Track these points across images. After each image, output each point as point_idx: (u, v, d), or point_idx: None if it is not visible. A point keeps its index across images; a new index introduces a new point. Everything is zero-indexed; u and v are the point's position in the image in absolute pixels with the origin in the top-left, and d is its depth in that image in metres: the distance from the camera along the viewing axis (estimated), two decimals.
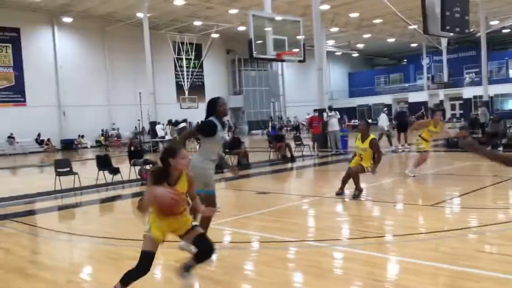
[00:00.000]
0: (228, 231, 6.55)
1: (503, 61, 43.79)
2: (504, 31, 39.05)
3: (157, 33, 32.69)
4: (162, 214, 3.72)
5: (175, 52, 34.71)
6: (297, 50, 16.73)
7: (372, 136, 8.15)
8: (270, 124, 38.15)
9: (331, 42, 41.94)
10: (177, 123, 8.05)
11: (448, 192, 8.85)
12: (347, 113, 39.22)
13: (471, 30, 24.57)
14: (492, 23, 33.64)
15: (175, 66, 36.24)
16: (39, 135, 30.51)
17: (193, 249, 4.25)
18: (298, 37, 17.10)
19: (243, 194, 9.71)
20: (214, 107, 5.13)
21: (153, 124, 26.77)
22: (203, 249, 3.89)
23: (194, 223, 3.95)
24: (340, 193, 8.50)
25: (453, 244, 5.36)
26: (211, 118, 5.12)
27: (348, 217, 7.45)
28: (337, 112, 19.26)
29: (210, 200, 4.98)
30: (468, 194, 8.34)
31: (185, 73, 35.39)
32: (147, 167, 12.52)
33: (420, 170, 10.88)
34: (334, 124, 18.51)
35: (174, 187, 3.73)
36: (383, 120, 18.54)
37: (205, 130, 5.10)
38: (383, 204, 7.94)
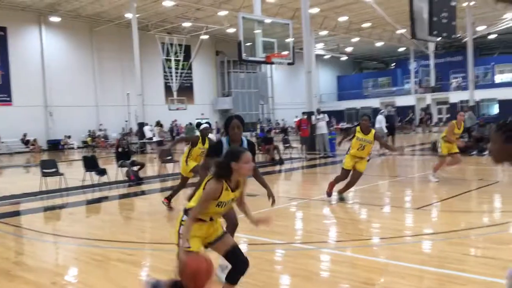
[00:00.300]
0: None
1: (489, 67, 44.33)
2: (491, 36, 39.56)
3: (146, 33, 32.57)
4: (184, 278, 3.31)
5: (163, 53, 34.56)
6: (286, 52, 16.80)
7: (373, 130, 8.28)
8: (258, 127, 38.18)
9: (320, 45, 42.13)
10: (199, 124, 7.80)
11: (435, 195, 8.92)
12: (336, 116, 39.36)
13: (458, 35, 24.87)
14: (478, 28, 34.08)
15: (164, 67, 36.09)
16: (25, 135, 30.16)
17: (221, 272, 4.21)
18: (288, 40, 17.17)
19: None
20: (226, 128, 4.78)
21: (141, 125, 26.64)
22: (238, 264, 3.56)
23: (224, 230, 3.72)
24: (330, 193, 8.46)
25: (439, 247, 5.40)
26: (222, 139, 4.84)
27: (335, 220, 7.47)
28: (325, 115, 19.32)
29: (228, 213, 4.87)
30: (454, 197, 8.41)
31: (173, 74, 35.25)
32: (135, 168, 12.44)
33: (407, 173, 10.96)
34: (322, 127, 18.57)
35: (234, 193, 3.50)
36: (382, 122, 18.29)
37: (212, 150, 4.89)
38: (370, 207, 7.98)
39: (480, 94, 36.61)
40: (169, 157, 13.93)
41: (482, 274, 4.30)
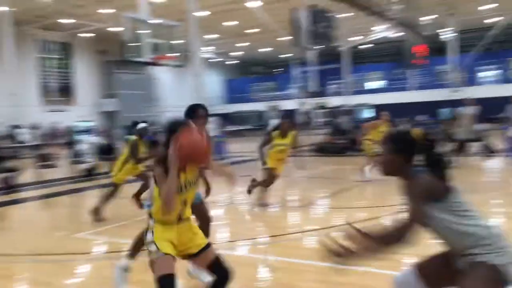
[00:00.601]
0: (101, 240, 6.24)
1: (363, 74, 48.13)
2: (365, 46, 43.05)
3: (21, 29, 29.93)
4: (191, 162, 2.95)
5: (41, 51, 32.17)
6: (174, 55, 16.62)
7: (292, 132, 8.00)
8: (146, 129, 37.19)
9: (209, 48, 42.32)
10: (136, 123, 7.18)
11: (316, 194, 9.45)
12: (224, 119, 39.71)
13: (336, 44, 26.71)
14: (354, 38, 36.87)
15: (41, 66, 33.54)
16: None
17: (204, 278, 3.72)
18: (176, 42, 16.99)
19: (120, 201, 9.27)
20: (190, 118, 4.41)
21: (13, 128, 24.53)
22: (220, 276, 3.17)
23: (208, 241, 3.25)
24: (265, 203, 8.05)
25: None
26: None
27: (225, 221, 7.55)
28: (214, 118, 19.46)
29: (198, 208, 4.51)
30: (334, 195, 8.99)
31: (52, 73, 32.97)
32: (8, 174, 11.40)
33: (291, 173, 11.43)
34: (211, 130, 18.69)
35: (185, 175, 3.02)
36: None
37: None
38: (259, 207, 8.19)
39: (355, 100, 39.74)
40: (50, 162, 13.03)
41: (361, 264, 4.62)
